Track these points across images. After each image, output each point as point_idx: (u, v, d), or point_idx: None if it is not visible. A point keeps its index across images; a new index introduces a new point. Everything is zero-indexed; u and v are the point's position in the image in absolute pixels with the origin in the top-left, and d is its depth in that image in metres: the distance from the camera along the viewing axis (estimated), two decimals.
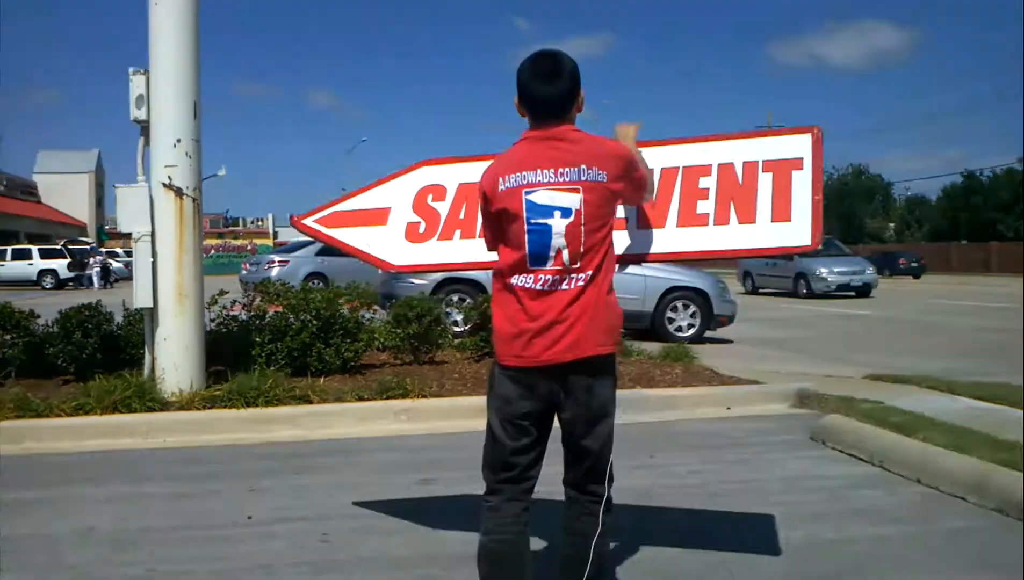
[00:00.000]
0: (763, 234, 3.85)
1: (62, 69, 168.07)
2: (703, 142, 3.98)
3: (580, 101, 3.00)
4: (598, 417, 2.95)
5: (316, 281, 19.96)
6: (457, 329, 10.79)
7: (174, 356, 7.23)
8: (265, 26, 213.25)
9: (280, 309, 8.48)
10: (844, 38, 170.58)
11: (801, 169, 3.81)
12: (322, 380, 7.74)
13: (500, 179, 2.93)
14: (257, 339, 7.91)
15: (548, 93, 2.92)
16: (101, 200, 74.55)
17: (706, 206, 3.91)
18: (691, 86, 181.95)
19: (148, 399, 6.90)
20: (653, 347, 10.12)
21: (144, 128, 7.36)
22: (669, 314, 13.71)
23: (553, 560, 3.17)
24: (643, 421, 7.18)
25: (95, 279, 38.56)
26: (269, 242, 67.49)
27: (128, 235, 7.40)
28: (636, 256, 3.88)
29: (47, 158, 72.38)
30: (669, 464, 5.76)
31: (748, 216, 3.87)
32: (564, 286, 2.86)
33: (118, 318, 8.31)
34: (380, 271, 16.23)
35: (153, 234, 7.20)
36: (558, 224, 2.85)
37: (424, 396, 7.34)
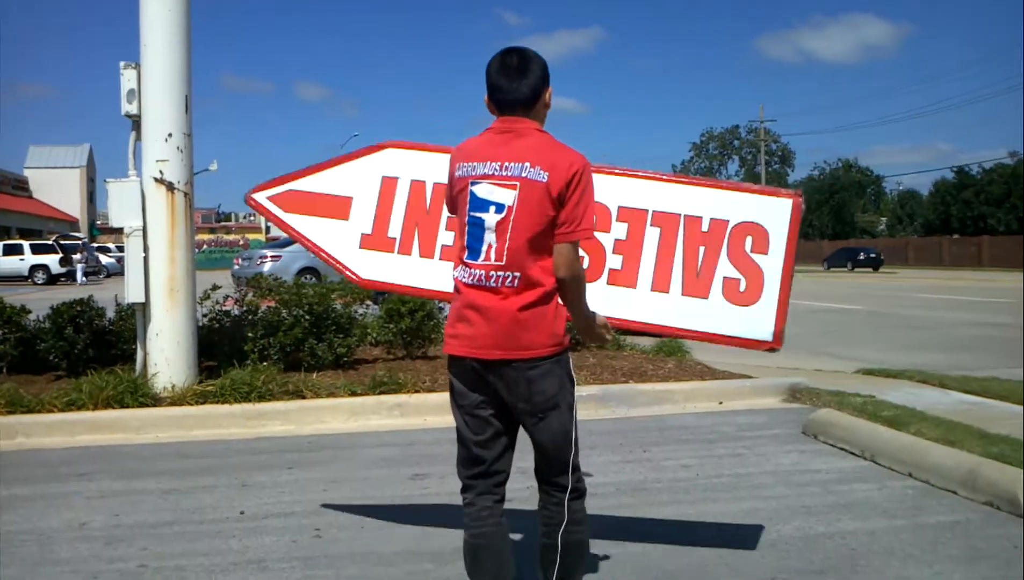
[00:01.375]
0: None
1: (53, 63, 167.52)
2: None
3: (547, 99, 3.01)
4: (544, 410, 2.92)
5: (308, 276, 19.97)
6: None
7: (166, 351, 7.22)
8: (251, 19, 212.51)
9: (273, 304, 8.48)
10: (833, 32, 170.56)
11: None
12: (315, 375, 7.73)
13: (457, 165, 2.97)
14: (250, 334, 7.90)
15: (511, 88, 2.94)
16: (92, 195, 74.33)
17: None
18: (681, 80, 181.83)
19: (140, 395, 6.89)
20: (645, 342, 10.13)
21: (135, 122, 7.34)
22: None
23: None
24: (635, 415, 7.20)
25: (78, 274, 38.44)
26: (261, 237, 67.52)
27: (120, 230, 7.39)
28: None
29: (38, 153, 72.09)
30: (661, 458, 5.78)
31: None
32: (493, 284, 2.84)
33: (110, 313, 8.29)
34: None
35: (145, 229, 7.18)
36: (491, 219, 2.85)
37: (417, 391, 7.35)
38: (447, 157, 3.13)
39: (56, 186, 69.77)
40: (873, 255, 54.62)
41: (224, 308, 8.67)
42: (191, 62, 7.36)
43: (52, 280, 38.88)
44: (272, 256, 24.04)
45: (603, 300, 3.41)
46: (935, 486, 4.98)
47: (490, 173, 2.87)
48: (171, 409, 6.84)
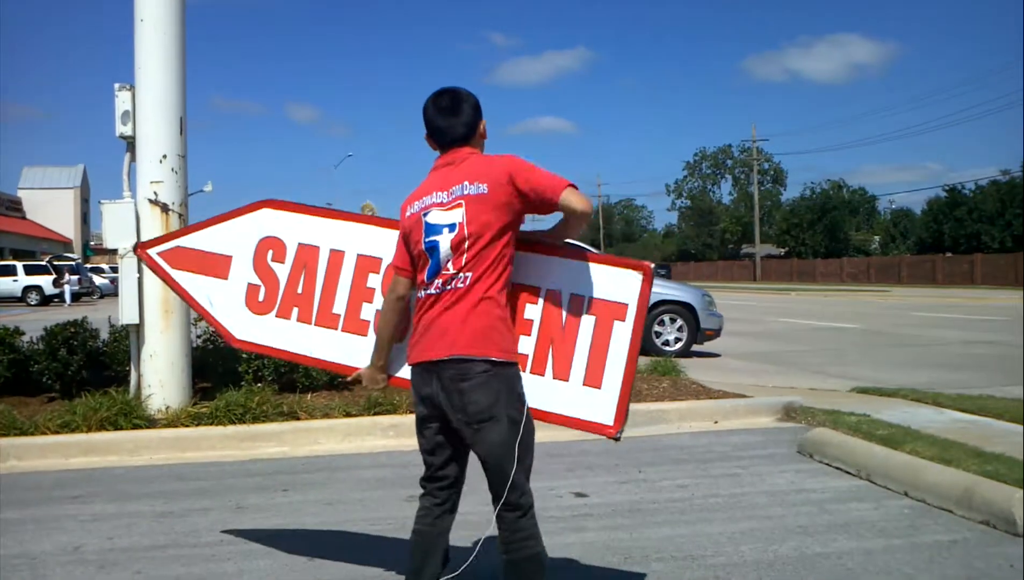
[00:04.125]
0: (571, 397, 3.33)
1: (47, 85, 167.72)
2: (536, 254, 3.36)
3: (481, 130, 3.29)
4: (479, 422, 3.05)
5: None
6: None
7: (160, 373, 7.20)
8: (241, 42, 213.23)
9: None
10: (820, 52, 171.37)
11: (623, 321, 3.26)
12: (309, 396, 7.71)
13: (407, 208, 3.23)
14: (244, 355, 7.88)
15: (448, 127, 3.22)
16: (87, 216, 74.25)
17: (527, 345, 3.36)
18: (670, 100, 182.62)
19: (134, 416, 6.86)
20: (640, 361, 10.11)
21: (130, 144, 7.36)
22: (656, 328, 13.73)
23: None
24: (630, 435, 7.17)
25: (67, 296, 38.35)
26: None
27: (114, 251, 7.38)
28: None
29: (32, 174, 72.07)
30: (657, 478, 5.77)
31: (563, 370, 3.33)
32: (448, 295, 3.07)
33: (104, 335, 8.27)
34: None
35: None
36: (444, 240, 3.08)
37: (412, 412, 7.30)
38: (326, 221, 3.64)
39: (50, 207, 69.71)
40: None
41: None
42: (186, 84, 7.38)
43: (46, 301, 38.78)
44: None
45: None
46: (931, 505, 4.97)
47: (438, 201, 3.13)
48: (165, 431, 6.82)
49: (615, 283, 3.28)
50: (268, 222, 3.85)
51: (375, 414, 7.22)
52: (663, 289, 14.17)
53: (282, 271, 3.83)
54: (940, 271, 58.05)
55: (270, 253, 3.84)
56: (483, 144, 3.32)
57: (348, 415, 7.21)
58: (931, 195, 77.42)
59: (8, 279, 39.85)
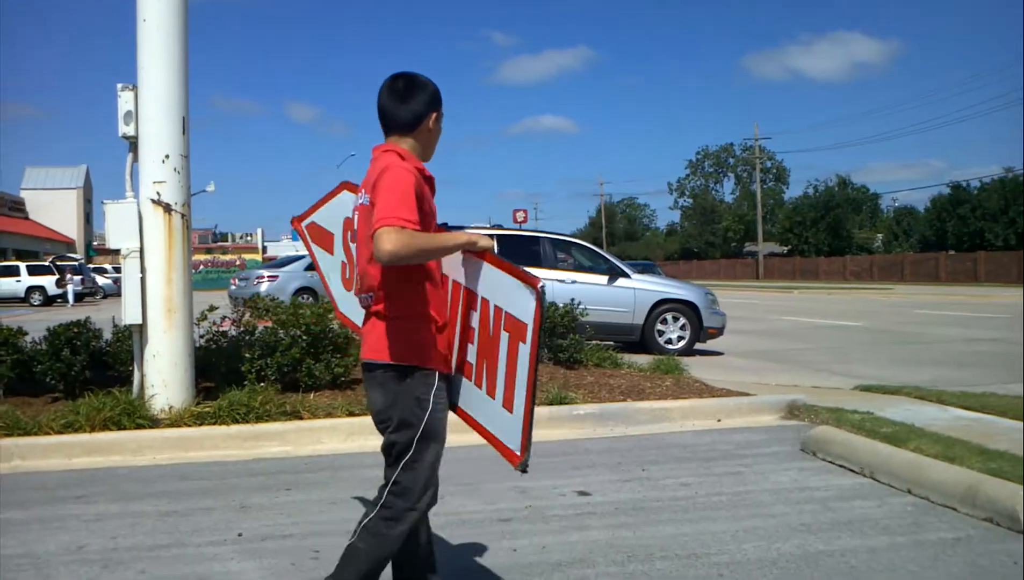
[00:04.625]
0: (494, 414, 3.07)
1: (50, 85, 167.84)
2: (477, 259, 3.17)
3: (430, 124, 3.15)
4: (380, 420, 3.14)
5: (305, 296, 19.96)
6: None
7: (163, 373, 7.21)
8: (240, 41, 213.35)
9: (270, 324, 8.47)
10: (821, 50, 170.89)
11: (525, 342, 2.89)
12: (312, 396, 7.71)
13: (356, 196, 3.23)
14: (247, 355, 7.89)
15: (393, 111, 3.12)
16: (89, 216, 74.29)
17: (472, 353, 3.19)
18: (671, 99, 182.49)
19: (137, 416, 6.86)
20: (643, 360, 10.14)
21: (132, 144, 7.36)
22: (659, 326, 13.74)
23: None
24: (633, 433, 7.19)
25: (70, 297, 38.49)
26: (258, 257, 67.54)
27: (116, 251, 7.37)
28: None
29: (35, 174, 72.14)
30: (660, 476, 5.77)
31: (491, 385, 3.06)
32: (365, 299, 3.12)
33: (107, 335, 8.28)
34: None
35: (142, 250, 7.18)
36: (353, 244, 3.15)
37: None
38: None
39: (53, 207, 69.78)
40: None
41: (221, 329, 8.66)
42: (188, 84, 7.38)
43: (48, 301, 38.85)
44: (269, 276, 23.97)
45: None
46: (935, 503, 4.97)
47: (359, 203, 3.13)
48: (169, 431, 6.82)
49: (518, 298, 2.94)
50: (348, 203, 3.85)
51: None
52: (665, 287, 14.18)
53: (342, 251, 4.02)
54: (943, 269, 58.03)
55: (349, 233, 3.92)
56: (431, 140, 3.19)
57: (351, 414, 7.21)
58: (934, 193, 77.25)
59: (11, 280, 39.92)
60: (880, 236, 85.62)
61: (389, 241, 2.73)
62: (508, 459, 3.02)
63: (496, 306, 3.03)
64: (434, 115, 3.14)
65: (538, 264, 13.69)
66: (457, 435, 6.64)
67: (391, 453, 3.12)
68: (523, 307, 2.89)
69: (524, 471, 2.92)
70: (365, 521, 3.11)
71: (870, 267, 65.45)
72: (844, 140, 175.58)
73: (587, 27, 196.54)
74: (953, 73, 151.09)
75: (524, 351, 2.88)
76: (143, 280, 7.19)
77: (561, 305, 9.61)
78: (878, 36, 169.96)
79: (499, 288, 3.02)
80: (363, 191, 3.06)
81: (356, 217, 3.15)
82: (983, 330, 17.77)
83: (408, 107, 3.09)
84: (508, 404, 2.96)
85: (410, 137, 3.12)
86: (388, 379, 3.05)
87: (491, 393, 3.07)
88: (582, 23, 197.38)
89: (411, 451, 3.06)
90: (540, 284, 2.85)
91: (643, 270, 15.41)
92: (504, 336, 2.98)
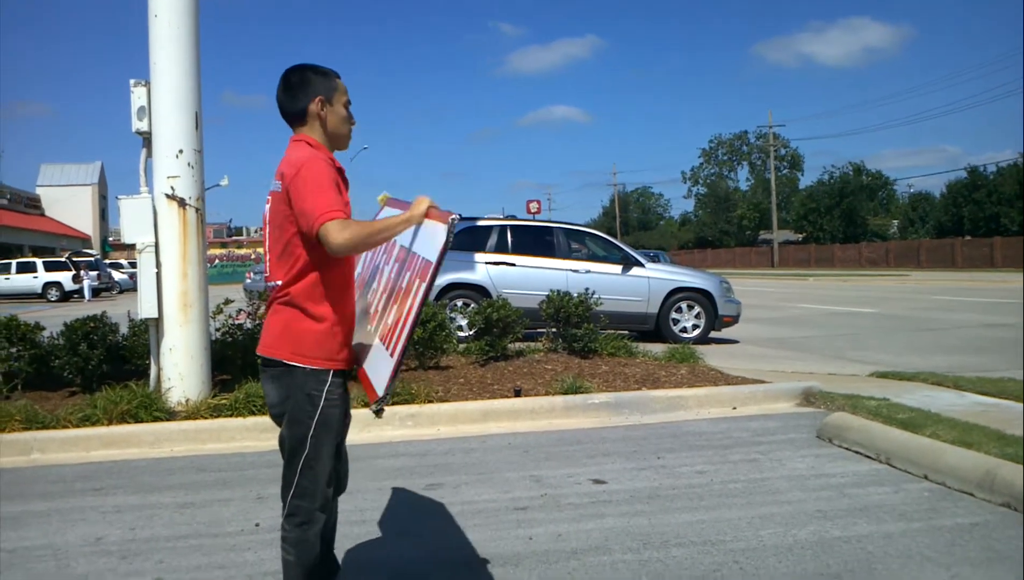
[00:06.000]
0: (378, 357, 2.94)
1: (63, 82, 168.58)
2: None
3: (316, 108, 3.07)
4: (280, 418, 3.09)
5: None
6: (462, 334, 10.82)
7: (180, 366, 7.25)
8: (250, 36, 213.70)
9: None
10: (832, 36, 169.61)
11: (424, 281, 2.75)
12: None
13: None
14: None
15: (283, 105, 3.13)
16: (104, 212, 74.61)
17: (393, 315, 2.98)
18: (683, 87, 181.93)
19: (154, 409, 6.91)
20: (658, 348, 10.13)
21: (146, 139, 7.38)
22: (674, 315, 13.72)
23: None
24: (649, 422, 7.19)
25: (86, 291, 38.79)
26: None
27: (132, 246, 7.41)
28: None
29: (50, 171, 72.45)
30: (676, 464, 5.77)
31: (392, 335, 2.86)
32: (273, 286, 3.04)
33: (124, 329, 8.33)
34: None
35: (157, 245, 7.22)
36: (264, 232, 3.09)
37: (430, 401, 7.34)
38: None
39: (68, 204, 70.08)
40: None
41: (237, 322, 8.70)
42: (200, 79, 7.39)
43: (65, 297, 39.10)
44: None
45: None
46: (951, 488, 4.96)
47: (272, 189, 3.04)
48: (185, 423, 6.86)
49: (432, 238, 2.81)
50: None
51: (393, 404, 7.23)
52: (680, 276, 14.16)
53: None
54: (959, 254, 57.64)
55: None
56: (333, 127, 3.11)
57: (366, 405, 7.20)
58: (950, 179, 76.49)
59: (28, 276, 40.17)
60: (896, 222, 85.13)
61: (340, 234, 2.73)
62: (369, 396, 2.90)
63: (419, 257, 2.89)
64: (317, 100, 3.07)
65: (552, 254, 13.69)
66: (471, 425, 6.70)
67: (285, 447, 3.08)
68: (433, 246, 2.76)
69: (378, 414, 2.81)
70: (282, 533, 3.07)
71: (886, 254, 65.07)
72: (858, 127, 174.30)
73: (595, 16, 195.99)
74: (965, 57, 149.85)
75: (419, 290, 2.76)
76: (159, 274, 7.22)
77: (575, 295, 9.60)
78: (889, 21, 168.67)
79: (425, 237, 2.91)
80: (276, 179, 3.01)
81: (268, 203, 3.06)
82: (1000, 316, 17.66)
83: (292, 99, 3.09)
84: (393, 348, 2.78)
85: (306, 127, 3.10)
86: (282, 374, 3.02)
87: (386, 340, 2.91)
88: (590, 12, 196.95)
89: (307, 449, 3.01)
90: (452, 217, 2.72)
91: (651, 259, 15.36)
92: (415, 283, 2.83)
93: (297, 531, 3.04)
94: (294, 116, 3.11)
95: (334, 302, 3.00)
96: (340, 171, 3.03)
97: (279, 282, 3.00)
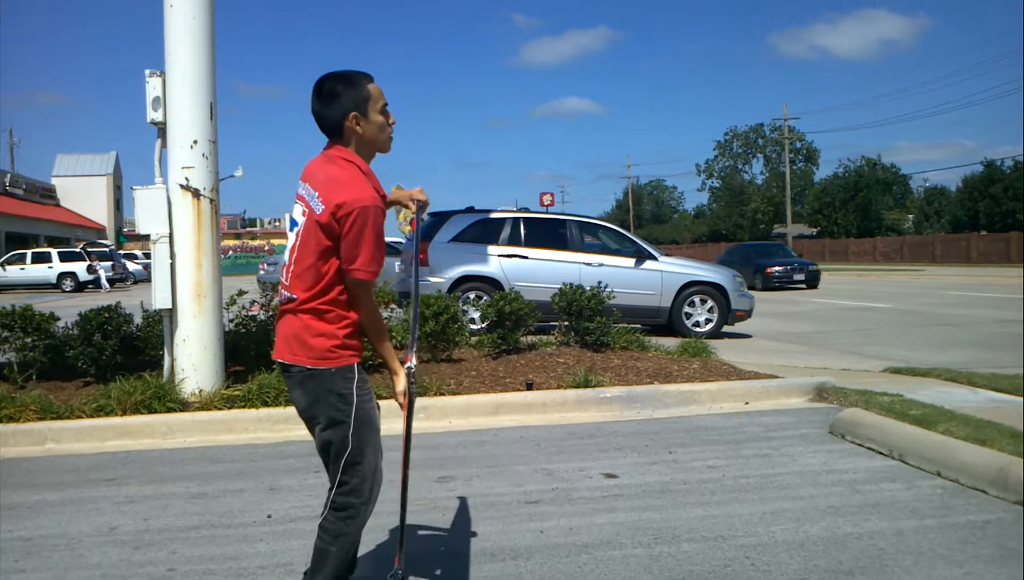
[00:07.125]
0: None
1: (78, 72, 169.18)
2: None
3: (352, 124, 3.02)
4: (312, 421, 3.09)
5: None
6: (474, 326, 10.82)
7: (193, 357, 7.28)
8: (265, 28, 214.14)
9: None
10: (847, 28, 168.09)
11: None
12: None
13: (299, 183, 3.11)
14: (275, 338, 7.93)
15: (320, 116, 3.06)
16: (119, 202, 74.84)
17: None
18: (697, 78, 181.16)
19: (168, 400, 6.95)
20: (670, 342, 10.11)
21: (161, 130, 7.41)
22: (686, 309, 13.68)
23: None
24: (661, 416, 7.18)
25: (103, 282, 39.06)
26: (286, 242, 67.84)
27: (146, 237, 7.44)
28: None
29: (65, 161, 72.71)
30: (688, 459, 5.76)
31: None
32: (287, 297, 3.05)
33: (138, 320, 8.36)
34: (396, 269, 16.10)
35: (171, 235, 7.24)
36: (291, 239, 3.07)
37: (442, 394, 7.36)
38: None
39: (83, 194, 70.34)
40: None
41: (250, 313, 8.72)
42: (215, 69, 7.41)
43: (80, 287, 39.27)
44: None
45: None
46: (964, 485, 4.93)
47: (303, 195, 3.02)
48: (199, 414, 6.89)
49: None
50: None
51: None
52: (693, 269, 14.11)
53: None
54: (975, 249, 57.27)
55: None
56: (371, 138, 3.08)
57: (378, 398, 7.22)
58: (965, 173, 75.97)
59: (43, 266, 40.33)
60: (911, 217, 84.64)
61: (365, 293, 2.99)
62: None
63: None
64: (352, 116, 3.01)
65: (565, 247, 13.66)
66: (483, 418, 6.71)
67: (328, 452, 3.07)
68: None
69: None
70: (323, 522, 3.10)
71: (900, 248, 64.72)
72: (874, 120, 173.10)
73: (607, 7, 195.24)
74: (982, 50, 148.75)
75: None
76: (173, 265, 7.25)
77: (588, 288, 9.59)
78: (905, 13, 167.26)
79: None
80: (306, 184, 3.01)
81: (298, 208, 3.04)
82: (1014, 311, 17.54)
83: (325, 115, 3.04)
84: None
85: (342, 140, 3.06)
86: (305, 378, 3.01)
87: None
88: (602, 2, 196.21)
89: (349, 447, 3.03)
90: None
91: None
92: None
93: (342, 524, 3.08)
94: (328, 130, 3.07)
95: (350, 306, 3.03)
96: (368, 174, 3.05)
97: (295, 297, 3.00)
